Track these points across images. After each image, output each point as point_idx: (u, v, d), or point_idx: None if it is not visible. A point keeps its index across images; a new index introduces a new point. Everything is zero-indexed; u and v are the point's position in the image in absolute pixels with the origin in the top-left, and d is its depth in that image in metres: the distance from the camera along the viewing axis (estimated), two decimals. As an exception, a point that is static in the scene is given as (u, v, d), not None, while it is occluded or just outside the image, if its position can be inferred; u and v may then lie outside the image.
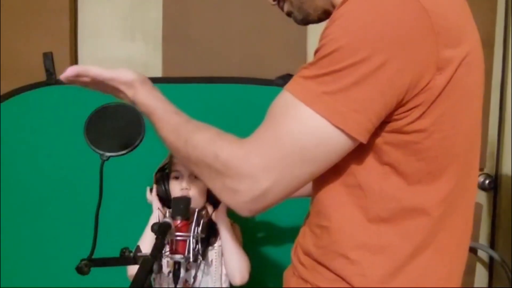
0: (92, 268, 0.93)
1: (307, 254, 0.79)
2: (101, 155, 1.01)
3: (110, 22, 1.69)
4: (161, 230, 0.96)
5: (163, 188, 1.24)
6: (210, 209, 1.25)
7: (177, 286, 1.08)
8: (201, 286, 1.23)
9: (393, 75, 0.62)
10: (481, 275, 1.85)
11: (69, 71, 0.88)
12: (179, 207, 1.10)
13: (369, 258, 0.71)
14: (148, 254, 0.86)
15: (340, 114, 0.62)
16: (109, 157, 1.00)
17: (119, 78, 0.88)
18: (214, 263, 1.24)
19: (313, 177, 0.69)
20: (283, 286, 0.87)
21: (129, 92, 0.88)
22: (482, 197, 1.81)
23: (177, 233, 1.05)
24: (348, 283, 0.72)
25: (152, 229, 0.97)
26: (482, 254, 1.84)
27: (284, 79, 1.58)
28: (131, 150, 1.02)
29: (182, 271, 1.18)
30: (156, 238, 0.93)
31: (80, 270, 0.92)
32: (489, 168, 1.80)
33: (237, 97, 1.60)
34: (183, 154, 0.77)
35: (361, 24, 0.62)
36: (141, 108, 0.88)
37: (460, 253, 0.77)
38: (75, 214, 1.57)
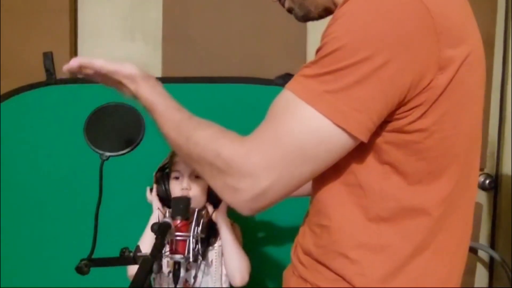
0: (92, 268, 0.93)
1: (307, 253, 0.79)
2: (101, 154, 1.01)
3: (110, 22, 1.69)
4: (161, 230, 0.96)
5: (163, 188, 1.24)
6: (210, 209, 1.25)
7: (177, 286, 1.08)
8: (201, 286, 1.23)
9: (395, 75, 0.61)
10: (481, 275, 1.85)
11: (73, 62, 0.88)
12: (179, 207, 1.10)
13: (369, 257, 0.71)
14: (148, 254, 0.86)
15: (342, 113, 0.62)
16: (109, 156, 1.00)
17: (122, 72, 0.88)
18: (214, 263, 1.24)
19: (314, 176, 0.69)
20: (283, 286, 0.87)
21: (132, 86, 0.88)
22: (482, 197, 1.81)
23: (177, 233, 1.05)
24: (348, 282, 0.72)
25: (152, 229, 0.96)
26: (482, 254, 1.84)
27: (284, 79, 1.58)
28: (131, 149, 1.02)
29: (182, 271, 1.18)
30: (156, 238, 0.93)
31: (80, 270, 0.92)
32: (489, 168, 1.80)
33: (237, 96, 1.60)
34: (184, 151, 0.77)
35: (363, 23, 0.62)
36: (142, 103, 0.87)
37: (460, 253, 0.77)
38: (75, 214, 1.57)
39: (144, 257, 0.84)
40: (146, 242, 1.09)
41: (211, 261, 1.24)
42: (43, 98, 1.60)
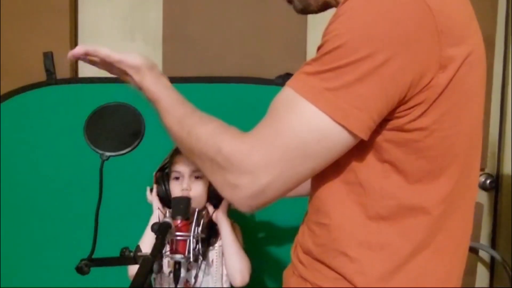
0: (92, 268, 0.93)
1: (307, 252, 0.79)
2: (101, 154, 1.01)
3: (110, 22, 1.69)
4: (161, 230, 0.96)
5: (163, 188, 1.24)
6: (210, 209, 1.24)
7: (178, 286, 1.08)
8: (202, 286, 1.23)
9: (396, 73, 0.61)
10: (482, 275, 1.84)
11: (78, 49, 0.88)
12: (179, 207, 1.10)
13: (368, 256, 0.71)
14: (148, 254, 0.86)
15: (342, 110, 0.62)
16: (109, 156, 1.00)
17: (127, 62, 0.87)
18: (215, 263, 1.24)
19: (313, 174, 0.68)
20: (283, 286, 0.87)
21: (136, 77, 0.88)
22: (483, 197, 1.81)
23: (177, 233, 1.05)
24: (348, 281, 0.72)
25: (152, 229, 0.96)
26: (483, 254, 1.83)
27: (284, 79, 1.58)
28: (131, 149, 1.02)
29: (183, 271, 1.18)
30: (156, 238, 0.93)
31: (80, 270, 0.92)
32: (490, 168, 1.80)
33: (237, 96, 1.60)
34: (185, 145, 0.77)
35: (365, 21, 0.62)
36: (146, 95, 0.87)
37: (460, 253, 0.77)
38: (75, 214, 1.57)
39: (145, 257, 0.84)
40: (147, 242, 1.09)
41: (212, 261, 1.24)
42: (43, 98, 1.60)
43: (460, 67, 0.64)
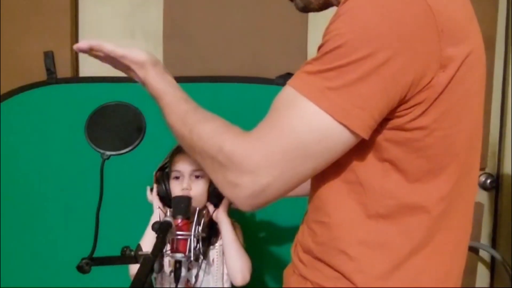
0: (93, 267, 0.93)
1: (307, 251, 0.79)
2: (102, 154, 1.01)
3: (111, 21, 1.69)
4: (161, 229, 0.96)
5: (164, 187, 1.24)
6: (211, 208, 1.25)
7: (179, 286, 1.08)
8: (202, 286, 1.23)
9: (397, 72, 0.61)
10: (482, 275, 1.85)
11: (82, 44, 0.89)
12: (179, 206, 1.10)
13: (368, 254, 0.71)
14: (149, 253, 0.86)
15: (343, 110, 0.62)
16: (110, 156, 1.00)
17: (131, 57, 0.88)
18: (215, 262, 1.24)
19: (314, 173, 0.68)
20: (284, 285, 0.87)
21: (140, 73, 0.88)
22: (483, 197, 1.81)
23: (178, 232, 1.05)
24: (347, 279, 0.72)
25: (153, 228, 0.97)
26: (483, 253, 1.84)
27: (284, 78, 1.58)
28: (132, 149, 1.02)
29: (184, 270, 1.18)
30: (157, 237, 0.93)
31: (81, 269, 0.92)
32: (490, 168, 1.80)
33: (237, 96, 1.60)
34: (187, 142, 0.77)
35: (366, 20, 0.62)
36: (150, 91, 0.87)
37: (459, 252, 0.77)
38: (76, 213, 1.57)
39: (145, 256, 0.84)
40: (147, 241, 1.09)
41: (213, 260, 1.24)
42: (44, 97, 1.61)
43: (460, 67, 0.65)
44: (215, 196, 1.23)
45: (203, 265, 1.23)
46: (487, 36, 1.71)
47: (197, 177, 1.22)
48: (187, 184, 1.21)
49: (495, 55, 1.74)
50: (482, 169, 1.79)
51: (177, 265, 1.08)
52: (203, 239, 1.17)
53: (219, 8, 1.65)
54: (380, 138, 0.68)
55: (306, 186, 0.77)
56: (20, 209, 1.59)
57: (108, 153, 1.00)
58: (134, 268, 1.00)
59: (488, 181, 1.77)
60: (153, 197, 1.24)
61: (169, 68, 1.63)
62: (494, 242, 1.81)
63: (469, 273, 1.79)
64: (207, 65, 1.64)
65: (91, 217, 0.98)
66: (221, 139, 0.69)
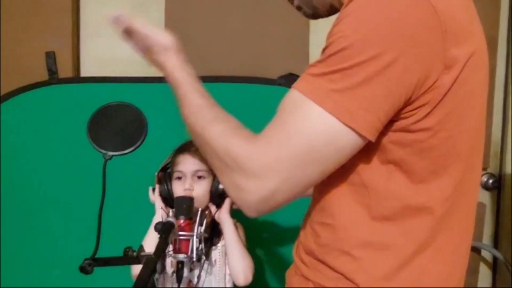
0: (95, 268, 0.93)
1: (309, 253, 0.79)
2: (104, 154, 1.01)
3: (112, 22, 1.69)
4: (164, 229, 0.96)
5: (166, 187, 1.24)
6: (213, 209, 1.24)
7: (181, 286, 1.08)
8: (204, 286, 1.23)
9: (402, 73, 0.61)
10: (484, 275, 1.84)
11: (113, 15, 0.88)
12: (182, 206, 1.10)
13: (372, 255, 0.71)
14: (151, 253, 0.86)
15: (349, 112, 0.62)
16: (112, 156, 1.01)
17: (157, 39, 0.85)
18: (217, 263, 1.24)
19: (322, 177, 0.68)
20: (286, 286, 0.87)
21: (161, 56, 0.85)
22: (485, 197, 1.81)
23: (180, 233, 1.05)
24: (350, 280, 0.72)
25: (155, 229, 0.96)
26: (485, 254, 1.83)
27: (287, 79, 1.58)
28: (134, 149, 1.02)
29: (186, 270, 1.18)
30: (160, 238, 0.93)
31: (84, 270, 0.92)
32: (492, 168, 1.80)
33: (239, 96, 1.60)
34: (199, 139, 0.76)
35: (370, 22, 0.62)
36: (168, 77, 0.84)
37: (462, 251, 0.77)
38: (78, 213, 1.56)
39: (148, 257, 0.84)
40: (150, 242, 1.09)
41: (215, 260, 1.24)
42: (45, 97, 1.60)
43: (464, 67, 0.64)
44: (217, 196, 1.23)
45: (205, 266, 1.23)
46: (489, 37, 1.70)
47: (199, 177, 1.22)
48: (189, 185, 1.21)
49: (497, 55, 1.74)
50: (484, 169, 1.79)
51: (179, 265, 1.08)
52: (205, 240, 1.17)
53: (220, 8, 1.65)
54: (384, 140, 0.67)
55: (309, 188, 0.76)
56: (21, 210, 1.59)
57: (110, 153, 1.00)
58: (136, 269, 1.01)
59: (490, 181, 1.77)
60: (155, 198, 1.24)
61: (171, 68, 1.65)
62: (496, 242, 1.80)
63: (471, 273, 1.79)
64: (209, 65, 1.64)
65: (93, 218, 0.98)
66: (229, 141, 0.69)
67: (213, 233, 1.25)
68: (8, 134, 1.59)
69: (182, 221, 1.07)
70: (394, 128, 0.66)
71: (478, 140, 0.74)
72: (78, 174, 1.57)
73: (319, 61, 0.65)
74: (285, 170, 0.64)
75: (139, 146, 1.02)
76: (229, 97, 1.60)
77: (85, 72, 1.67)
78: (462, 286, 0.78)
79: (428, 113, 0.64)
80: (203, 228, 1.11)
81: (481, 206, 1.76)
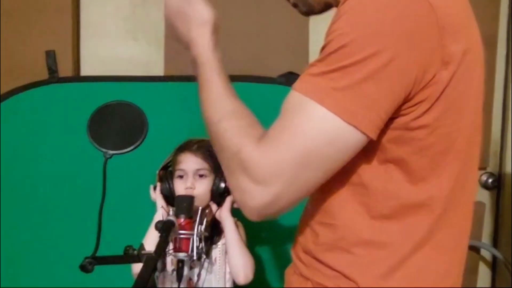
0: (96, 266, 0.93)
1: (307, 252, 0.79)
2: (104, 153, 1.01)
3: (113, 21, 1.69)
4: (164, 228, 0.96)
5: (167, 186, 1.24)
6: (214, 207, 1.25)
7: (181, 285, 1.08)
8: (204, 285, 1.23)
9: (401, 70, 0.61)
10: (484, 274, 1.84)
11: None
12: (182, 205, 1.10)
13: (370, 254, 0.71)
14: (152, 252, 0.86)
15: (351, 110, 0.62)
16: (112, 155, 1.01)
17: (198, 8, 0.80)
18: (217, 261, 1.24)
19: (325, 179, 0.67)
20: (285, 285, 0.87)
21: (194, 31, 0.79)
22: (485, 196, 1.81)
23: (181, 231, 1.05)
24: (348, 279, 0.72)
25: (156, 227, 0.97)
26: (485, 253, 1.83)
27: (286, 77, 1.58)
28: (134, 148, 1.02)
29: (186, 269, 1.18)
30: (160, 236, 0.93)
31: (84, 268, 0.92)
32: (492, 167, 1.80)
33: (239, 95, 1.60)
34: (213, 128, 0.73)
35: (369, 19, 0.62)
36: (194, 54, 0.79)
37: (459, 249, 0.77)
38: (79, 212, 1.56)
39: (149, 255, 0.84)
40: (150, 240, 1.09)
41: (215, 259, 1.24)
42: (45, 96, 1.60)
43: (460, 64, 0.65)
44: (218, 195, 1.24)
45: (206, 264, 1.23)
46: (489, 35, 1.71)
47: (201, 176, 1.22)
48: (191, 183, 1.21)
49: (496, 54, 1.74)
50: (484, 168, 1.79)
51: (180, 264, 1.09)
52: (206, 238, 1.17)
53: (220, 7, 1.64)
54: (383, 139, 0.67)
55: None
56: (21, 209, 1.59)
57: (111, 152, 1.00)
58: (137, 267, 1.01)
59: (490, 180, 1.77)
60: (156, 196, 1.24)
61: (171, 67, 1.66)
62: (495, 242, 1.80)
63: (471, 272, 1.79)
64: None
65: (93, 217, 0.98)
66: (240, 141, 0.68)
67: (214, 232, 1.25)
68: (8, 133, 1.59)
69: (182, 219, 1.07)
70: (394, 126, 0.66)
71: (475, 138, 0.74)
72: (78, 173, 1.57)
73: (318, 60, 0.65)
74: (289, 173, 0.64)
75: (139, 145, 1.02)
76: (229, 96, 1.60)
77: (85, 71, 1.67)
78: (460, 283, 0.78)
79: (427, 110, 0.64)
80: (203, 226, 1.12)
81: (480, 205, 1.76)
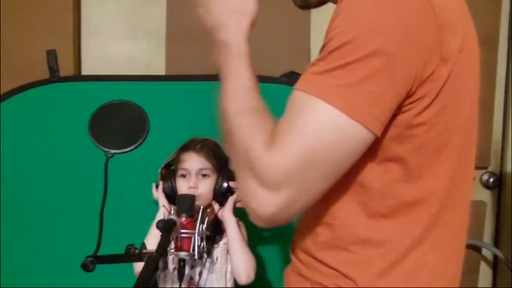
0: (97, 265, 0.93)
1: (306, 251, 0.79)
2: (106, 152, 1.01)
3: (114, 20, 1.69)
4: (166, 227, 0.96)
5: (169, 184, 1.24)
6: (216, 206, 1.25)
7: (182, 284, 1.08)
8: (206, 284, 1.23)
9: (403, 66, 0.61)
10: (485, 274, 1.84)
11: None
12: (184, 204, 1.10)
13: (368, 252, 0.71)
14: (153, 251, 0.86)
15: (356, 107, 0.61)
16: (114, 154, 1.01)
17: None
18: (219, 260, 1.24)
19: (334, 180, 0.66)
20: (284, 284, 0.87)
21: (232, 15, 0.76)
22: (486, 195, 1.80)
23: (182, 230, 1.05)
24: (346, 277, 0.72)
25: (157, 227, 0.97)
26: (486, 252, 1.83)
27: (288, 77, 1.58)
28: (136, 147, 1.03)
29: (187, 268, 1.18)
30: (161, 235, 0.93)
31: (86, 267, 0.92)
32: (493, 166, 1.80)
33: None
34: (230, 120, 0.71)
35: (370, 16, 0.62)
36: (222, 39, 0.75)
37: (457, 245, 0.77)
38: (80, 211, 1.56)
39: (150, 254, 0.84)
40: (152, 239, 1.09)
41: (216, 258, 1.24)
42: (46, 95, 1.60)
43: (458, 60, 0.65)
44: (220, 195, 1.24)
45: (207, 263, 1.23)
46: (490, 35, 1.71)
47: (203, 175, 1.23)
48: (194, 183, 1.21)
49: (498, 53, 1.74)
50: (485, 167, 1.79)
51: (181, 263, 1.09)
52: (207, 237, 1.17)
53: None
54: (384, 137, 0.67)
55: None
56: (22, 208, 1.59)
57: (112, 151, 1.00)
58: (138, 266, 1.01)
59: (491, 179, 1.77)
60: (158, 195, 1.24)
61: (172, 67, 1.66)
62: (496, 241, 1.80)
63: (472, 272, 1.79)
64: (210, 64, 1.64)
65: (95, 216, 0.99)
66: (251, 141, 0.66)
67: (216, 231, 1.25)
68: (9, 133, 1.59)
69: (184, 219, 1.07)
70: (395, 123, 0.66)
71: (471, 134, 0.74)
72: (80, 172, 1.57)
73: (320, 59, 0.64)
74: (298, 174, 0.63)
75: (140, 144, 1.02)
76: (230, 95, 1.60)
77: (86, 70, 1.67)
78: (458, 282, 0.78)
79: (427, 106, 0.64)
80: (205, 226, 1.12)
81: (481, 204, 1.76)
